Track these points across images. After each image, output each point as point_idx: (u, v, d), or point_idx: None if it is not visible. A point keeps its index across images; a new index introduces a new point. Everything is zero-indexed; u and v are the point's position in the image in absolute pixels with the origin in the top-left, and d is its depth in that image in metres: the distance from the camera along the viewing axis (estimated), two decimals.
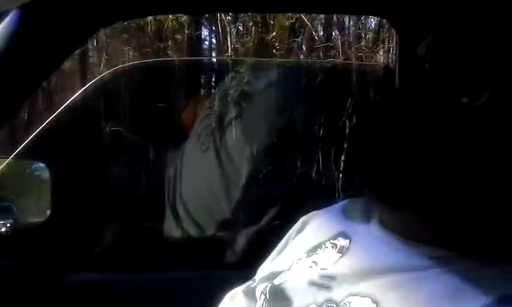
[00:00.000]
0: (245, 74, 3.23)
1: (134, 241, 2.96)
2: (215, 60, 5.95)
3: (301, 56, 7.25)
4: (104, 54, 6.85)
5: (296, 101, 3.48)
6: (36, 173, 2.97)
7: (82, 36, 1.32)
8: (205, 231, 3.13)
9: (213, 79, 3.76)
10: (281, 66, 3.62)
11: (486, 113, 0.57)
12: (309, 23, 7.01)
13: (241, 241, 2.99)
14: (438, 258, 0.59)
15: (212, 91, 3.53)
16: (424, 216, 0.62)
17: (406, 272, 0.58)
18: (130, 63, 5.77)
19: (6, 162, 2.31)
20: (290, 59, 5.86)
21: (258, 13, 5.28)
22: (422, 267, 0.58)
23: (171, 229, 3.16)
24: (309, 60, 6.26)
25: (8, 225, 2.32)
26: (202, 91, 3.87)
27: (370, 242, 0.66)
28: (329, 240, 0.71)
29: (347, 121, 2.67)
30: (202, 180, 3.21)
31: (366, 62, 6.02)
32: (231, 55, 6.71)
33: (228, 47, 6.90)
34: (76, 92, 2.82)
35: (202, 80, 4.04)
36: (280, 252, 0.84)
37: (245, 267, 0.82)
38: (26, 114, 6.16)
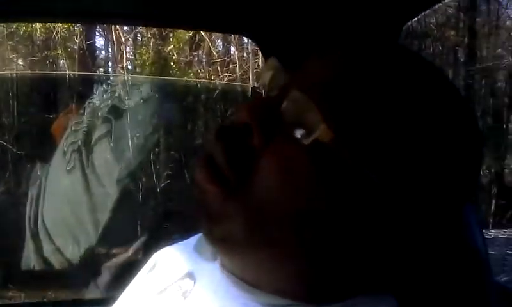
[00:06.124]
0: (117, 88, 3.01)
1: None
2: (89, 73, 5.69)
3: (200, 70, 7.19)
4: None
5: (171, 117, 3.34)
6: None
7: None
8: (67, 261, 2.86)
9: (85, 92, 3.53)
10: (154, 82, 3.46)
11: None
12: (207, 38, 6.96)
13: (105, 274, 2.75)
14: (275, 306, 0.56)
15: (82, 104, 3.27)
16: (262, 262, 0.57)
17: None
18: None
19: None
20: (164, 77, 5.74)
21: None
22: None
23: (30, 257, 2.88)
24: (184, 79, 6.22)
25: None
26: (73, 104, 3.60)
27: (212, 286, 0.62)
28: (176, 281, 0.66)
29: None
30: (66, 202, 2.95)
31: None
32: (126, 67, 6.50)
33: (123, 58, 6.68)
34: None
35: (75, 93, 3.79)
36: (129, 293, 0.73)
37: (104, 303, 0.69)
38: None
